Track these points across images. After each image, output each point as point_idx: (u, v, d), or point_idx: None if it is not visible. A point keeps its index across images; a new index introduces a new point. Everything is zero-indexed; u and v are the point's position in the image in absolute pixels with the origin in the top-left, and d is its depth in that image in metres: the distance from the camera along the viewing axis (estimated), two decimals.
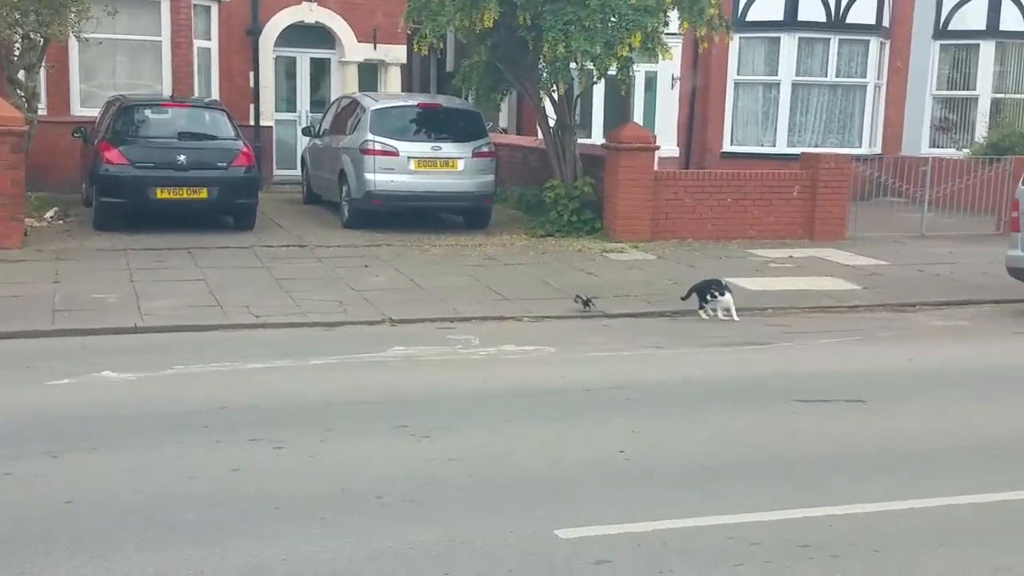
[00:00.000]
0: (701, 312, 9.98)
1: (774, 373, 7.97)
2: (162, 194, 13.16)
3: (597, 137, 18.64)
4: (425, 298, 10.35)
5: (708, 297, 9.96)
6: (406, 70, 20.21)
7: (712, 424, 6.52)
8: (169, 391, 7.02)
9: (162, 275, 10.94)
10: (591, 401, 7.04)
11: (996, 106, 20.73)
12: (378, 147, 14.09)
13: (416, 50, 14.94)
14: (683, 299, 10.18)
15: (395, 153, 14.10)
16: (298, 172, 18.12)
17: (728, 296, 9.94)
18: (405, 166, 14.14)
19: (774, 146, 19.91)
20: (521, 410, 6.76)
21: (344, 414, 6.58)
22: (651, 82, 20.10)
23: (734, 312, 9.93)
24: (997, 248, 13.20)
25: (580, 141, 15.73)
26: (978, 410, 6.94)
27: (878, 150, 20.29)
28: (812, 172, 14.83)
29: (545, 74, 13.94)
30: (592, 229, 14.50)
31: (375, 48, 19.21)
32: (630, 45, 13.14)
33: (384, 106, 14.71)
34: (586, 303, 9.96)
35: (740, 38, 19.44)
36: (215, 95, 17.82)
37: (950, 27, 20.54)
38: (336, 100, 16.86)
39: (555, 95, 14.41)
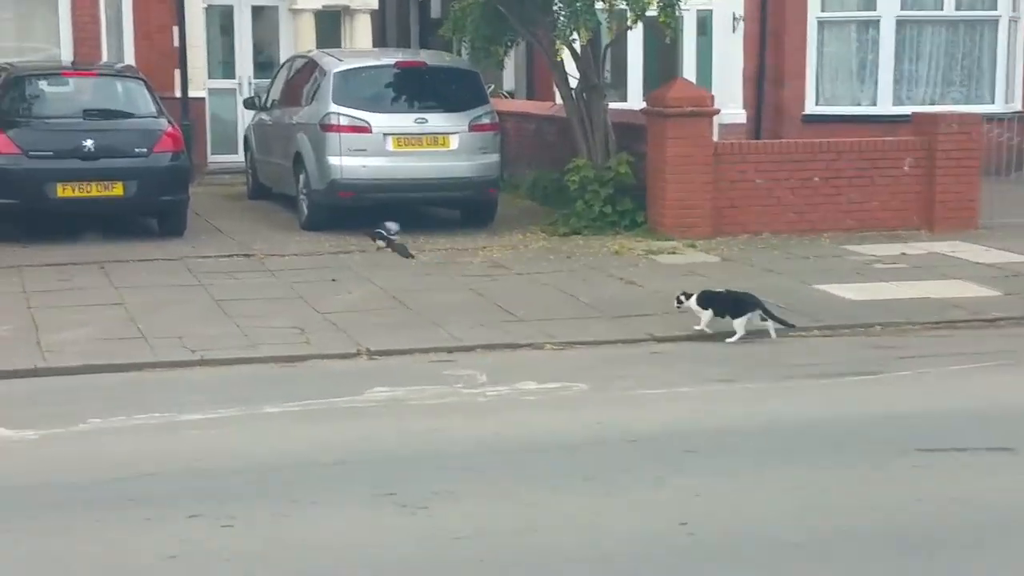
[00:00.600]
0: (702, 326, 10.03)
1: (886, 413, 7.91)
2: (64, 191, 13.28)
3: (635, 100, 18.69)
4: (413, 321, 10.37)
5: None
6: (378, 18, 20.34)
7: (803, 485, 6.49)
8: (81, 453, 7.04)
9: (68, 298, 10.98)
10: (639, 456, 7.03)
11: None
12: (344, 122, 14.20)
13: None
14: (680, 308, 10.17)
15: (366, 129, 14.19)
16: (241, 158, 18.23)
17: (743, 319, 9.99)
18: (380, 146, 14.22)
19: (874, 105, 19.93)
20: (546, 469, 6.76)
21: (310, 479, 6.59)
22: (705, 24, 20.14)
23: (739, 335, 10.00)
24: None
25: (612, 106, 15.78)
26: None
27: (1018, 106, 20.22)
28: (928, 139, 14.81)
29: (563, 18, 14.00)
30: (632, 223, 14.53)
31: None
32: None
33: (350, 67, 14.81)
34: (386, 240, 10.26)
35: None
36: (129, 59, 17.96)
37: None
38: (288, 61, 16.99)
39: (577, 46, 14.46)
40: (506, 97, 20.14)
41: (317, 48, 17.59)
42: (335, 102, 14.28)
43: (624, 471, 6.71)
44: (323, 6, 19.32)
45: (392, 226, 12.21)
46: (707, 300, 10.18)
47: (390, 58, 15.58)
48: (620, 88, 19.58)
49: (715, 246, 13.81)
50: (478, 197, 14.90)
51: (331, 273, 12.22)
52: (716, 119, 15.46)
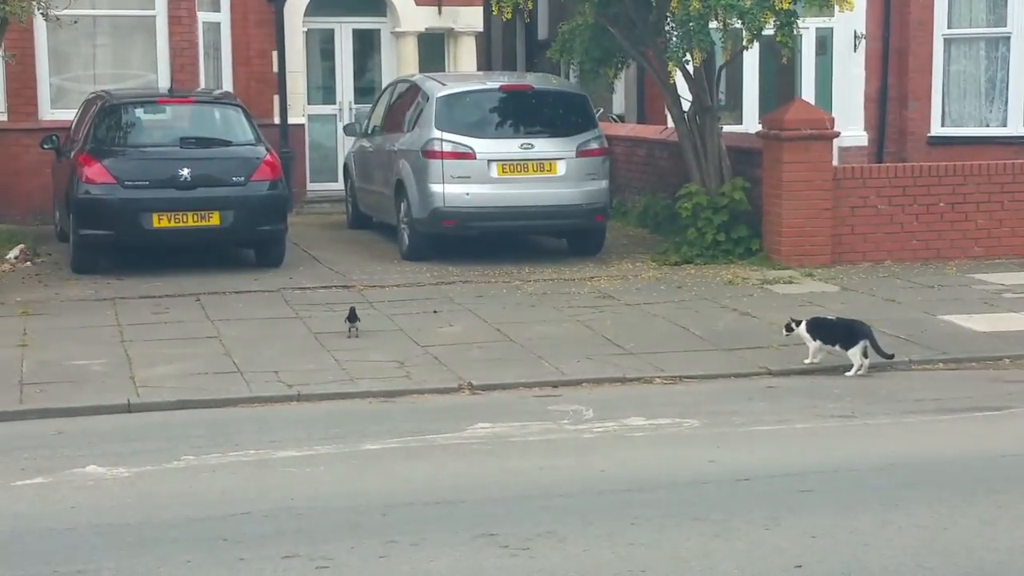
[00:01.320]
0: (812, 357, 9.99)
1: (1012, 451, 7.81)
2: (160, 222, 13.52)
3: (750, 123, 18.61)
4: (517, 355, 10.41)
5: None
6: (483, 40, 20.49)
7: (924, 525, 6.41)
8: (174, 491, 7.17)
9: (163, 332, 11.21)
10: (752, 495, 6.98)
11: None
12: (447, 148, 14.31)
13: (496, 13, 15.15)
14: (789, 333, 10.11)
15: (471, 155, 14.29)
16: (340, 185, 18.48)
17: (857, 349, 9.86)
18: (485, 173, 14.31)
19: (1004, 126, 19.60)
20: (654, 510, 6.74)
21: (410, 518, 6.63)
22: (825, 44, 20.00)
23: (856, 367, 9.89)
24: None
25: (727, 129, 15.76)
26: None
27: None
28: None
29: (675, 38, 14.01)
30: (747, 251, 14.46)
31: (440, 12, 19.53)
32: None
33: (454, 91, 14.92)
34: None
35: None
36: (227, 86, 18.29)
37: None
38: (390, 86, 17.18)
39: (689, 67, 14.44)
40: (616, 121, 20.16)
41: (420, 72, 17.77)
42: (438, 127, 14.40)
43: (735, 511, 6.67)
44: (426, 29, 19.51)
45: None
46: (816, 327, 10.07)
47: (495, 81, 15.71)
48: (735, 111, 19.55)
49: (834, 275, 13.67)
50: (586, 225, 14.92)
51: (432, 305, 12.32)
52: (836, 142, 15.33)
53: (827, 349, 10.01)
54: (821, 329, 10.07)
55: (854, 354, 9.87)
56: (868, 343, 9.90)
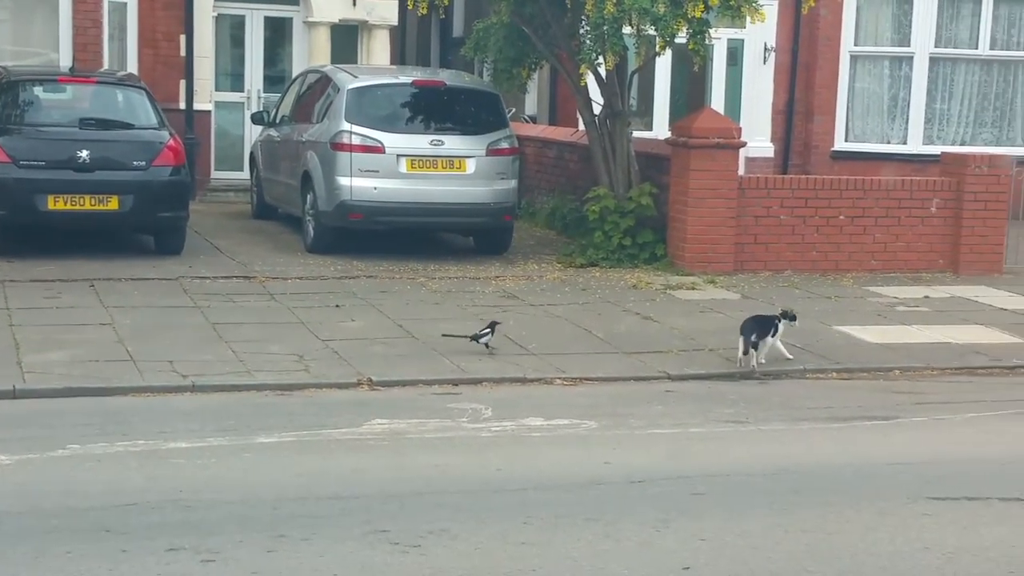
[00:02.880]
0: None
1: (899, 459, 7.93)
2: (56, 204, 13.28)
3: (660, 129, 18.75)
4: (419, 352, 10.39)
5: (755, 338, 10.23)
6: (397, 34, 20.40)
7: (809, 530, 6.49)
8: (59, 480, 7.04)
9: (54, 317, 11.01)
10: (645, 497, 7.03)
11: None
12: (356, 141, 14.23)
13: (411, 7, 15.11)
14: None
15: (380, 149, 14.23)
16: (246, 175, 18.31)
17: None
18: (394, 167, 14.25)
19: (905, 143, 19.96)
20: (548, 509, 6.75)
21: (301, 513, 6.58)
22: (735, 54, 20.22)
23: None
24: None
25: (637, 135, 15.84)
26: None
27: None
28: (957, 180, 14.85)
29: (588, 42, 14.06)
30: (652, 256, 14.56)
31: (354, 4, 19.44)
32: (705, 2, 13.24)
33: (365, 84, 14.86)
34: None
35: None
36: (132, 67, 18.04)
37: None
38: (300, 75, 17.06)
39: (602, 71, 14.51)
40: (527, 122, 20.19)
41: (332, 63, 17.67)
42: (348, 120, 14.32)
43: (628, 513, 6.71)
44: (340, 20, 19.41)
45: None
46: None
47: (407, 76, 15.64)
48: (646, 117, 19.68)
49: (736, 283, 13.82)
50: (493, 224, 14.92)
51: (335, 299, 12.25)
52: (743, 152, 15.50)
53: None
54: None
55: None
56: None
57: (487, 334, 10.35)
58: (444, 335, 10.58)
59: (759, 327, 10.34)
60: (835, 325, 11.82)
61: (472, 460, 7.68)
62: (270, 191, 16.68)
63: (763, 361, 10.33)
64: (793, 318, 10.66)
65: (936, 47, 19.83)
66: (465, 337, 10.38)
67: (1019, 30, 20.10)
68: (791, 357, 10.53)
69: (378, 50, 19.67)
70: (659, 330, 11.47)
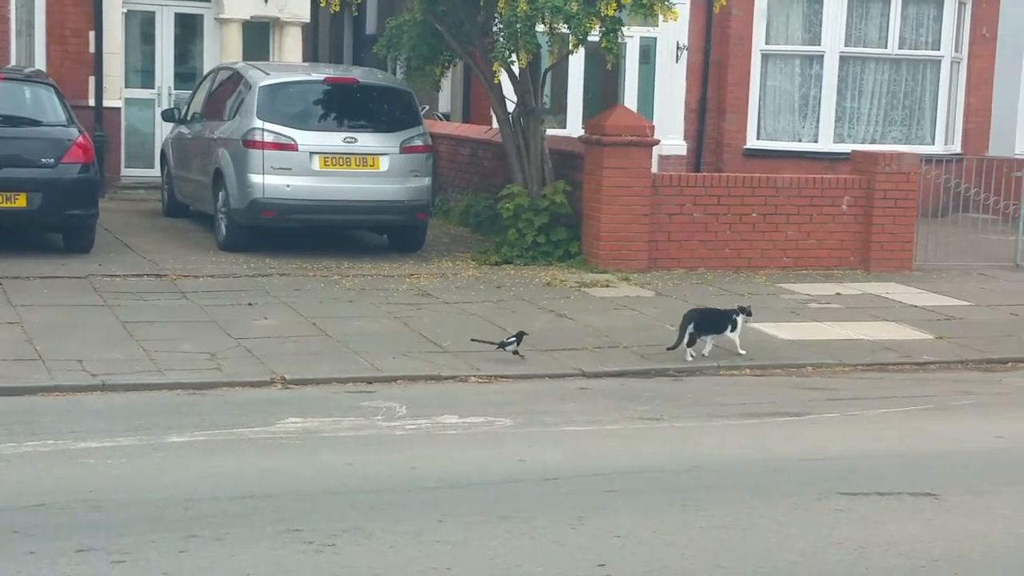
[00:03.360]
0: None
1: (811, 454, 8.00)
2: None
3: (574, 127, 18.81)
4: (332, 350, 10.33)
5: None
6: (310, 32, 20.30)
7: (724, 526, 6.53)
8: None
9: None
10: (560, 494, 7.03)
11: None
12: (268, 138, 14.14)
13: (324, 4, 15.01)
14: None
15: (292, 147, 14.14)
16: (157, 172, 18.12)
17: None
18: (306, 165, 14.17)
19: (816, 142, 20.20)
20: (463, 507, 6.74)
21: (213, 513, 6.51)
22: (648, 53, 20.33)
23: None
24: None
25: (550, 132, 15.88)
26: None
27: (957, 149, 20.63)
28: (867, 178, 15.04)
29: (502, 39, 14.06)
30: (566, 254, 14.59)
31: (266, 1, 19.28)
32: (618, 0, 13.30)
33: (277, 81, 14.77)
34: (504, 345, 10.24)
35: None
36: (40, 64, 17.77)
37: None
38: (211, 72, 16.92)
39: (515, 69, 14.52)
40: (441, 119, 20.17)
41: (244, 60, 17.52)
42: (260, 117, 14.22)
43: (543, 510, 6.70)
44: (252, 16, 19.25)
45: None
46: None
47: (320, 73, 15.57)
48: (559, 114, 19.73)
49: (649, 280, 13.89)
50: (407, 222, 14.90)
51: (248, 297, 12.15)
52: (656, 150, 15.59)
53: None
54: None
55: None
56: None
57: (513, 342, 10.25)
58: (473, 340, 10.51)
59: (703, 320, 10.53)
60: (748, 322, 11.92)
61: (386, 458, 7.64)
62: (181, 189, 16.50)
63: (705, 355, 10.50)
64: (749, 313, 10.82)
65: (846, 46, 20.08)
66: (492, 344, 10.30)
67: (927, 30, 20.43)
68: (743, 352, 10.67)
69: (290, 47, 19.54)
70: (573, 327, 11.50)
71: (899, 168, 15.07)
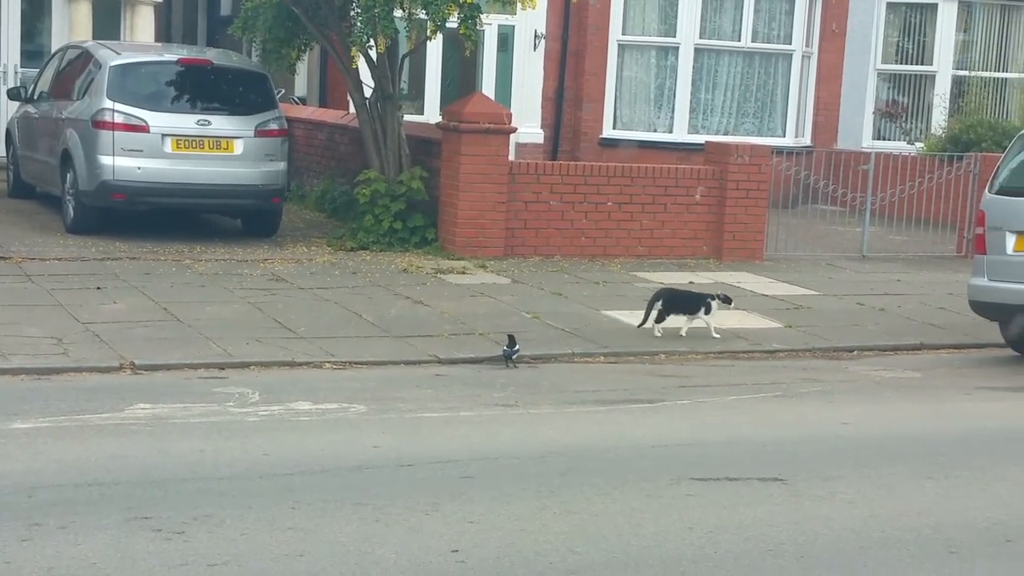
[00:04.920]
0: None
1: (663, 441, 8.12)
2: None
3: (432, 114, 18.78)
4: (184, 335, 10.18)
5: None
6: (163, 11, 19.92)
7: (577, 511, 6.58)
8: None
9: None
10: (415, 481, 7.03)
11: (958, 86, 21.85)
12: (119, 119, 13.87)
13: None
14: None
15: (144, 128, 13.89)
16: (2, 152, 17.62)
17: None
18: (158, 147, 13.93)
19: (671, 132, 20.44)
20: (316, 494, 6.69)
21: (58, 501, 6.37)
22: (506, 41, 20.37)
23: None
24: (959, 274, 13.90)
25: (408, 118, 15.83)
26: (929, 491, 7.24)
27: (807, 141, 21.09)
28: (720, 168, 15.28)
29: (359, 24, 13.97)
30: (423, 240, 14.57)
31: None
32: None
33: (129, 61, 14.51)
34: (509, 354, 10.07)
35: None
36: None
37: None
38: (60, 51, 16.52)
39: (373, 54, 14.44)
40: (297, 103, 19.97)
41: (94, 39, 17.13)
42: (110, 97, 13.95)
43: (397, 497, 6.69)
44: None
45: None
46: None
47: (173, 54, 15.35)
48: (417, 100, 19.66)
49: (506, 267, 13.94)
50: (262, 206, 14.76)
51: (96, 281, 11.91)
52: (513, 138, 15.65)
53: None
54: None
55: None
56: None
57: (517, 350, 10.08)
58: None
59: (673, 299, 11.13)
60: (603, 310, 12.04)
61: (238, 445, 7.55)
62: (28, 169, 16.10)
63: (682, 335, 11.09)
64: (728, 300, 11.27)
65: (701, 38, 20.34)
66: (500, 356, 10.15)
67: (779, 24, 20.81)
68: (718, 336, 11.12)
69: (142, 27, 19.13)
70: (429, 314, 11.49)
71: (751, 159, 15.33)
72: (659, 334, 11.02)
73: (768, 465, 7.58)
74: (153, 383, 8.96)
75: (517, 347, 10.09)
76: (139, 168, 13.85)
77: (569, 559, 5.94)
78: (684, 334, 11.10)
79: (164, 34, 20.00)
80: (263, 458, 7.32)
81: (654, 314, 11.03)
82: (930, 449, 8.21)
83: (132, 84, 14.22)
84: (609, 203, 14.95)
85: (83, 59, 15.07)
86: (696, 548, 6.16)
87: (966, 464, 7.82)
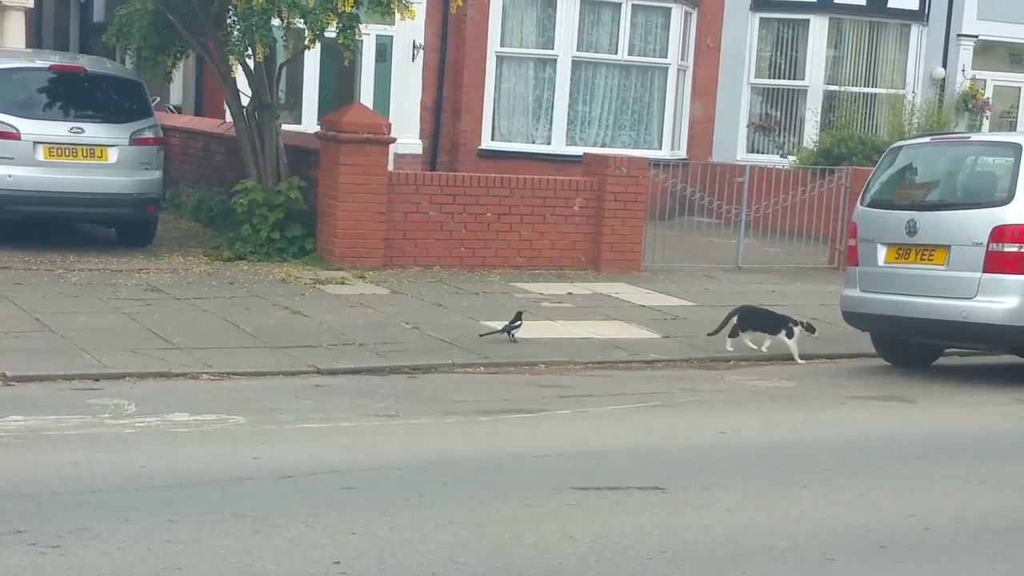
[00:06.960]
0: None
1: (544, 451, 8.15)
2: None
3: (310, 123, 18.66)
4: (57, 346, 10.01)
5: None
6: (34, 17, 19.53)
7: (458, 522, 6.58)
8: None
9: None
10: (295, 493, 6.97)
11: (829, 101, 22.36)
12: None
13: None
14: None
15: (15, 135, 13.68)
16: None
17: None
18: (30, 155, 13.72)
19: (549, 143, 20.57)
20: (195, 506, 6.61)
21: None
22: (385, 51, 20.34)
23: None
24: (831, 286, 14.19)
25: (286, 128, 15.73)
26: (805, 499, 7.38)
27: (683, 154, 21.38)
28: (598, 180, 15.42)
29: (237, 32, 13.86)
30: (301, 250, 14.49)
31: None
32: None
33: None
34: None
35: None
36: None
37: None
38: None
39: (250, 63, 14.32)
40: (172, 111, 19.72)
41: None
42: None
43: (278, 508, 6.63)
44: None
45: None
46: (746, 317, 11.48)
47: (45, 60, 15.12)
48: (295, 110, 19.56)
49: (385, 278, 13.91)
50: (136, 216, 14.60)
51: None
52: (392, 148, 15.62)
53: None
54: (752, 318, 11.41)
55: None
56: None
57: (518, 325, 10.89)
58: (481, 336, 11.05)
59: (750, 316, 11.43)
60: (483, 320, 12.07)
61: (114, 457, 7.43)
62: None
63: (764, 350, 11.42)
64: (812, 329, 11.46)
65: (578, 51, 20.51)
66: (498, 331, 10.90)
67: (656, 38, 21.06)
68: (801, 362, 11.38)
69: (12, 32, 18.72)
70: (308, 324, 11.43)
71: (628, 171, 15.50)
72: (731, 348, 11.37)
73: (648, 474, 7.65)
74: (25, 395, 8.78)
75: (519, 323, 10.71)
76: (10, 176, 13.61)
77: (451, 569, 5.94)
78: (765, 350, 11.45)
79: (36, 40, 19.62)
80: (140, 470, 7.20)
81: (728, 328, 11.37)
82: (806, 457, 8.36)
83: (3, 91, 13.97)
84: (488, 214, 15.00)
85: None
86: (577, 557, 6.19)
87: (841, 472, 7.98)
